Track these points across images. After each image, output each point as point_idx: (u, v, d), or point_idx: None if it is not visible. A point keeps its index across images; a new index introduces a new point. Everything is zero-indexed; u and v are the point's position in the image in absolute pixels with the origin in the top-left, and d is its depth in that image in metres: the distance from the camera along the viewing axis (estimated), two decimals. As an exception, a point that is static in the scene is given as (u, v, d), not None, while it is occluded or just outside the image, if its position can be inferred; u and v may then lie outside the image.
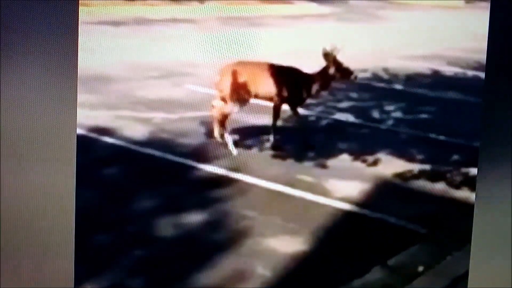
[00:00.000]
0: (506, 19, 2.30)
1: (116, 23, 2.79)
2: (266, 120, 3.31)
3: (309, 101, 3.41)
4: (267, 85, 3.33)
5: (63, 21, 2.02)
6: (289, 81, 3.38)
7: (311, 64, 3.39)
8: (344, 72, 3.38)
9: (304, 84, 3.39)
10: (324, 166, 3.25)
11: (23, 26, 2.01)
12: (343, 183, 3.21)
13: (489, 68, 2.29)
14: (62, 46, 2.04)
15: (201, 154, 3.07)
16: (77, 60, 2.06)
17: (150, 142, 2.99)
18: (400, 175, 3.29)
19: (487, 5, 3.69)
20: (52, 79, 2.06)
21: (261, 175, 3.08)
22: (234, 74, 3.27)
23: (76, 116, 2.08)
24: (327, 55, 3.31)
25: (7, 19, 1.99)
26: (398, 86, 3.60)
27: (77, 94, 2.06)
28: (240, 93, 3.28)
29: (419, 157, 3.37)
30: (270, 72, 3.34)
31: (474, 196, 3.31)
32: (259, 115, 3.29)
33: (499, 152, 2.32)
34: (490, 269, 2.37)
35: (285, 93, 3.35)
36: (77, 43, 2.04)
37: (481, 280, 2.37)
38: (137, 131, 2.95)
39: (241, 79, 3.28)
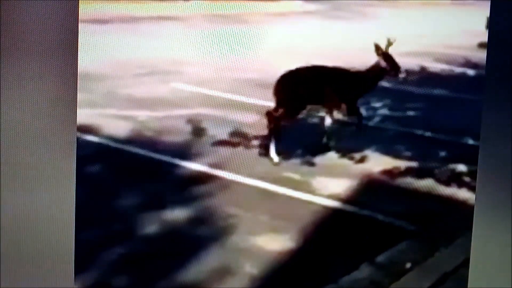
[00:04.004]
0: (506, 18, 2.31)
1: (101, 21, 2.76)
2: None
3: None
4: (324, 90, 3.34)
5: (63, 19, 2.02)
6: (344, 83, 3.38)
7: (298, 62, 3.38)
8: (393, 67, 3.39)
9: (357, 84, 3.41)
10: (311, 164, 3.24)
11: (23, 26, 2.01)
12: (331, 181, 3.20)
13: (489, 66, 2.30)
14: (62, 45, 2.04)
15: (187, 152, 3.06)
16: (77, 60, 2.06)
17: (134, 140, 2.97)
18: (388, 172, 3.29)
19: (473, 2, 3.69)
20: (52, 78, 2.06)
21: (247, 172, 3.08)
22: (292, 80, 3.27)
23: (76, 115, 2.08)
24: (378, 48, 3.33)
25: (7, 19, 1.98)
26: (385, 83, 3.60)
27: (77, 94, 2.06)
28: (298, 100, 3.29)
29: (407, 154, 3.37)
30: (326, 77, 3.34)
31: (461, 192, 3.32)
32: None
33: (499, 151, 2.33)
34: (490, 269, 2.37)
35: (340, 97, 3.36)
36: (77, 43, 2.04)
37: (481, 280, 2.38)
38: (122, 129, 2.94)
39: (299, 85, 3.29)
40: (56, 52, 2.05)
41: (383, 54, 3.35)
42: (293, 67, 3.28)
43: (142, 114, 3.00)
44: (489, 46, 2.32)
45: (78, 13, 2.05)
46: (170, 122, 3.05)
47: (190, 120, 3.09)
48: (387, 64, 3.38)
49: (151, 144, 2.99)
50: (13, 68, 2.02)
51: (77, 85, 2.07)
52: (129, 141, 2.94)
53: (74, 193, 2.15)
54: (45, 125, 2.08)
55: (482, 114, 2.30)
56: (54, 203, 2.14)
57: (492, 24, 2.30)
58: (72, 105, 2.08)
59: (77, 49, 2.07)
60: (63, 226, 2.16)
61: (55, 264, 2.16)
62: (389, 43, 3.36)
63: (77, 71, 2.06)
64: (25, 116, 2.06)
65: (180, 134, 3.05)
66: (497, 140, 2.32)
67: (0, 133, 2.05)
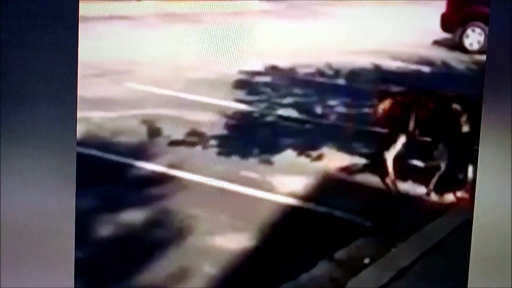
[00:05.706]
0: (505, 19, 2.33)
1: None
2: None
3: (252, 97, 3.40)
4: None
5: (63, 18, 2.02)
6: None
7: (254, 63, 3.38)
8: None
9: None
10: (269, 162, 3.25)
11: (23, 24, 2.00)
12: (288, 179, 3.21)
13: (489, 67, 2.32)
14: (62, 43, 2.03)
15: (143, 152, 3.04)
16: (77, 59, 2.06)
17: (88, 142, 2.94)
18: (344, 169, 3.31)
19: (428, 1, 3.73)
20: (54, 77, 2.06)
21: (205, 172, 3.07)
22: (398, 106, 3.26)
23: (77, 114, 2.08)
24: None
25: (6, 17, 1.97)
26: (341, 81, 3.62)
27: (77, 91, 2.06)
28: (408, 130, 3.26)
29: (363, 150, 3.40)
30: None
31: (417, 188, 3.36)
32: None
33: (498, 152, 2.36)
34: (490, 269, 2.40)
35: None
36: (78, 41, 2.03)
37: (481, 280, 2.40)
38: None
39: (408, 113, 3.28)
40: (56, 50, 2.06)
41: None
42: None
43: (96, 115, 2.98)
44: (489, 46, 2.35)
45: (79, 9, 2.05)
46: (124, 123, 3.03)
47: (145, 120, 3.07)
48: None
49: (105, 145, 2.97)
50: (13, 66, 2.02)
51: (77, 84, 2.08)
52: (83, 142, 2.91)
53: (74, 197, 2.16)
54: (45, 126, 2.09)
55: (482, 114, 2.34)
56: (54, 208, 2.15)
57: (492, 24, 2.33)
58: (72, 103, 2.10)
59: (78, 46, 2.07)
60: (63, 232, 2.17)
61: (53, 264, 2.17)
62: None
63: (77, 70, 2.07)
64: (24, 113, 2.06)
65: (135, 134, 3.03)
66: (497, 140, 2.36)
67: (0, 132, 2.06)
